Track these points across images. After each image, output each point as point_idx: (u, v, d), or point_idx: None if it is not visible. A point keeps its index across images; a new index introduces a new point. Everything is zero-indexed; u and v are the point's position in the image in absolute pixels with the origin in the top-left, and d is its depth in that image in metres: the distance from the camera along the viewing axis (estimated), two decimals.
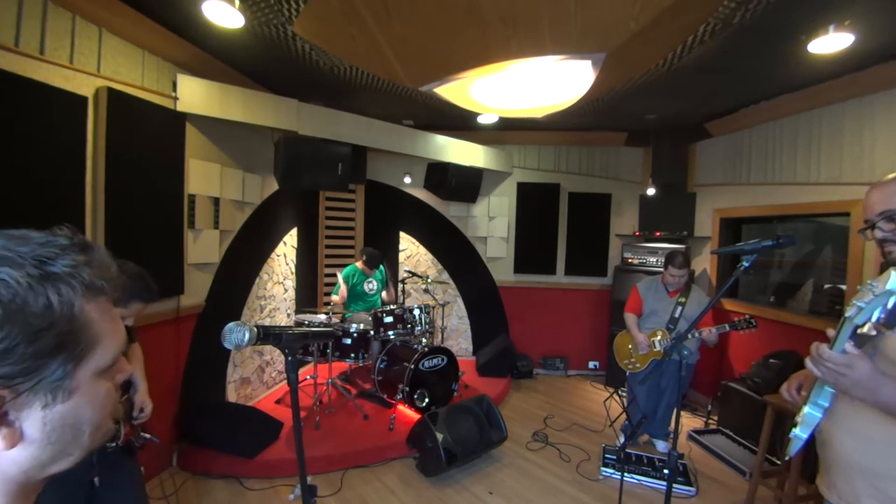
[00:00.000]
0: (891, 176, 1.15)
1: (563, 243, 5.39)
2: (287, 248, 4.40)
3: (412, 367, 3.52)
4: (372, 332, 3.82)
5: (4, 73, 1.92)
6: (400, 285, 4.57)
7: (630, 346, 3.44)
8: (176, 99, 2.89)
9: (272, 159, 3.84)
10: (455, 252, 5.47)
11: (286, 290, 4.44)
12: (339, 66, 3.17)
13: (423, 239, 5.49)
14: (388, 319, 3.84)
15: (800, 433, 1.21)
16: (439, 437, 2.98)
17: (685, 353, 1.75)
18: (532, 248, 5.41)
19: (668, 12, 2.10)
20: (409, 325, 3.88)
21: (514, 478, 3.10)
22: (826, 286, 3.56)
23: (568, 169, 5.35)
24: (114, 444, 1.57)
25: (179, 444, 3.06)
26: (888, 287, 0.92)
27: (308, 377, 3.83)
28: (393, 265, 5.30)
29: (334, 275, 4.30)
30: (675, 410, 1.98)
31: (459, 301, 5.51)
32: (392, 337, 3.82)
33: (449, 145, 4.72)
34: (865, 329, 0.99)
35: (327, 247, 5.11)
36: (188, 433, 3.07)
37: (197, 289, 3.19)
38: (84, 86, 2.32)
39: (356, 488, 2.92)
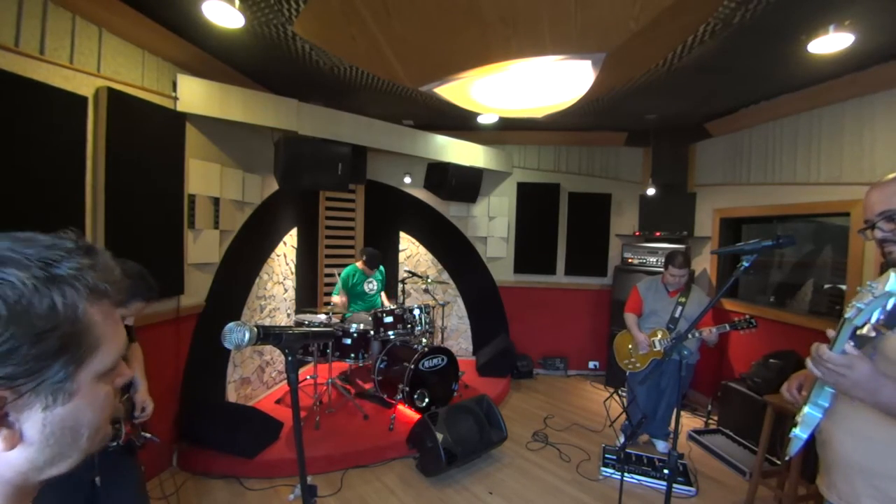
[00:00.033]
0: (891, 176, 1.15)
1: (563, 243, 5.39)
2: (287, 248, 4.40)
3: (412, 367, 3.52)
4: (372, 332, 3.82)
5: (4, 73, 1.92)
6: (400, 285, 4.57)
7: (630, 346, 3.44)
8: (176, 99, 2.89)
9: (272, 159, 3.84)
10: (455, 252, 5.47)
11: (286, 290, 4.44)
12: (339, 66, 3.17)
13: (423, 239, 5.48)
14: (388, 319, 3.84)
15: (800, 433, 1.21)
16: (439, 437, 2.98)
17: (685, 352, 1.75)
18: (532, 248, 5.41)
19: (668, 12, 2.10)
20: (409, 325, 3.88)
21: (514, 478, 3.10)
22: (826, 286, 3.56)
23: (568, 169, 5.35)
24: (115, 444, 1.57)
25: (179, 444, 3.06)
26: (888, 288, 0.92)
27: (308, 377, 3.83)
28: (393, 265, 5.30)
29: (334, 275, 4.30)
30: (675, 410, 1.98)
31: (459, 301, 5.51)
32: (392, 337, 3.83)
33: (449, 145, 4.72)
34: (865, 330, 1.00)
35: (327, 247, 5.11)
36: (188, 433, 3.07)
37: (197, 289, 3.19)
38: (84, 86, 2.32)
39: (356, 488, 2.92)
